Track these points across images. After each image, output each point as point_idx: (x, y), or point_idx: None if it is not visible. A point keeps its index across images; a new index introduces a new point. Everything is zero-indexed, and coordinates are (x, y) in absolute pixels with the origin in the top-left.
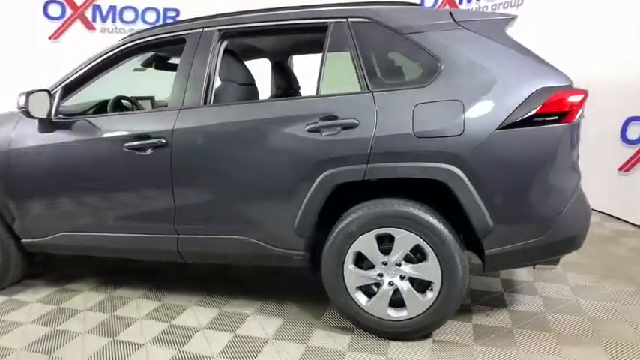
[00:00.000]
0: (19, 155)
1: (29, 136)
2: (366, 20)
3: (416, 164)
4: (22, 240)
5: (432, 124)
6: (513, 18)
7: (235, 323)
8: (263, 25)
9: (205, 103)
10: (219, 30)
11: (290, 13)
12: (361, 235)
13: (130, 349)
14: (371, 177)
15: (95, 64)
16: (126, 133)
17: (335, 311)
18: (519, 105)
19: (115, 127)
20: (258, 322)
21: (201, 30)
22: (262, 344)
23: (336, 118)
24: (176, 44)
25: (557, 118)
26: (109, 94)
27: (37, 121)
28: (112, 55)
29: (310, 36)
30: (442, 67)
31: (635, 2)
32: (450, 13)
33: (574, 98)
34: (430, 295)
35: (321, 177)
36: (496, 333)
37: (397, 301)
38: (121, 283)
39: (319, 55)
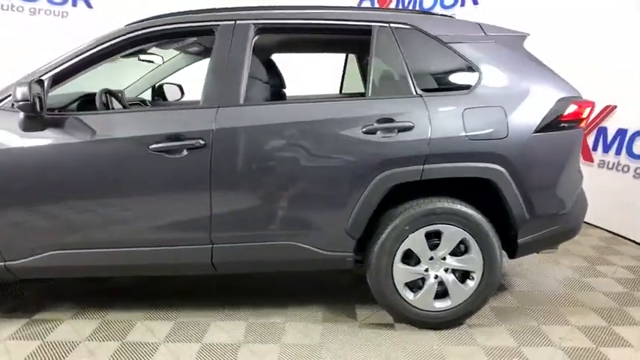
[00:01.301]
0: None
1: (6, 135)
2: (409, 27)
3: (469, 164)
4: None
5: (481, 127)
6: (527, 35)
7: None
8: (303, 23)
9: (245, 101)
10: (254, 24)
11: (332, 13)
12: (412, 233)
13: None
14: (428, 177)
15: (93, 53)
16: (151, 132)
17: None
18: (548, 112)
19: (134, 126)
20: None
21: (233, 22)
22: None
23: (392, 120)
24: (198, 34)
25: (573, 123)
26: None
27: (19, 116)
28: (115, 43)
29: (349, 37)
30: (481, 75)
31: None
32: (480, 25)
33: (586, 107)
34: (471, 284)
35: (378, 178)
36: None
37: (439, 293)
38: (106, 304)
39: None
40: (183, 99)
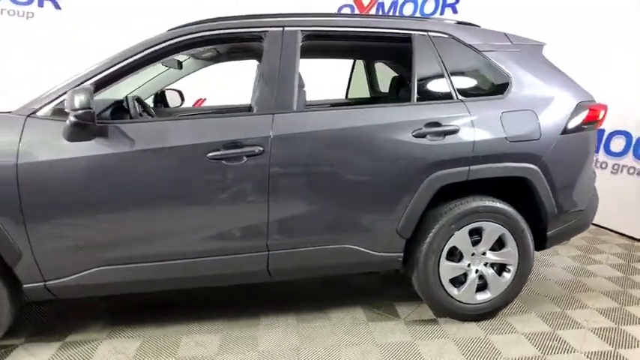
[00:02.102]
0: (36, 171)
1: (51, 146)
2: (445, 35)
3: (509, 164)
4: (28, 285)
5: (518, 130)
6: (544, 44)
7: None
8: (346, 30)
9: (297, 107)
10: (302, 30)
11: (376, 21)
12: (457, 231)
13: None
14: (473, 177)
15: (138, 58)
16: (209, 140)
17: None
18: (571, 115)
19: (190, 133)
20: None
21: (281, 29)
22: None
23: (439, 124)
24: (245, 40)
25: (591, 125)
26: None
27: (62, 125)
28: (160, 48)
29: (388, 44)
30: (512, 81)
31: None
32: (506, 35)
33: (601, 110)
34: (508, 276)
35: (429, 179)
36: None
37: (479, 286)
38: (132, 321)
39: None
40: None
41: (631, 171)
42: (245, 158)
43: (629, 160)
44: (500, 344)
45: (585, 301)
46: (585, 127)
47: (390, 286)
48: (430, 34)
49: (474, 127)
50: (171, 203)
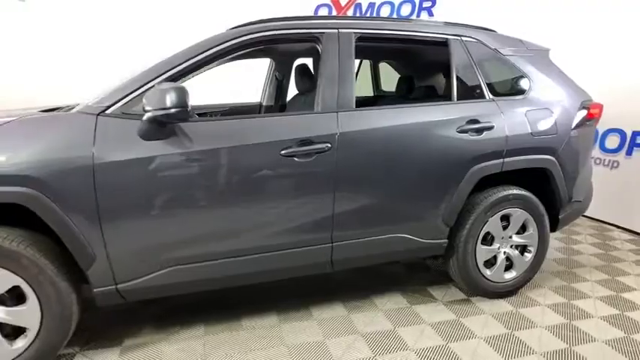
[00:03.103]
0: (112, 171)
1: (125, 145)
2: (475, 40)
3: (534, 157)
4: (98, 289)
5: (540, 126)
6: (550, 49)
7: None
8: (392, 34)
9: (356, 105)
10: (354, 32)
11: (416, 25)
12: (491, 217)
13: None
14: (506, 169)
15: (205, 56)
16: (282, 138)
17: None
18: (577, 112)
19: (265, 132)
20: None
21: (337, 30)
22: None
23: (478, 121)
24: (302, 41)
25: (592, 122)
26: None
27: (142, 124)
28: (226, 47)
29: (424, 47)
30: (531, 82)
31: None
32: (521, 41)
33: (599, 108)
34: (529, 257)
35: (471, 171)
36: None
37: (506, 267)
38: (183, 320)
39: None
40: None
41: (597, 162)
42: (314, 155)
43: (596, 152)
44: (531, 316)
45: (583, 275)
46: (587, 123)
47: (415, 274)
48: (462, 38)
49: (505, 123)
50: (245, 200)
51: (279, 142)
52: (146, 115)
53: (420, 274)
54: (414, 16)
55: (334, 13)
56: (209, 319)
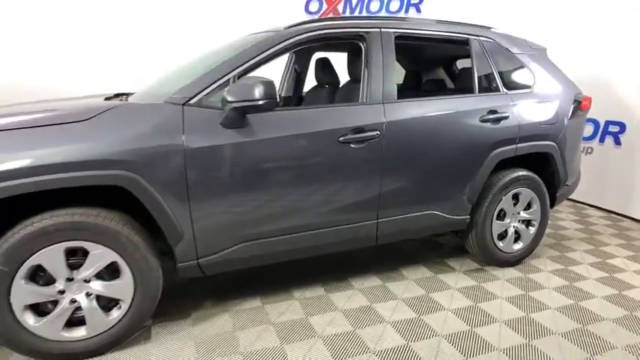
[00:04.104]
0: (200, 156)
1: (209, 132)
2: (490, 40)
3: (540, 142)
4: (182, 264)
5: (544, 116)
6: (546, 48)
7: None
8: (424, 34)
9: (397, 97)
10: (393, 32)
11: (443, 25)
12: (504, 196)
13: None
14: (518, 153)
15: (270, 53)
16: (341, 126)
17: None
18: (573, 104)
19: (325, 120)
20: None
21: (379, 30)
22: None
23: (496, 112)
24: (348, 39)
25: (584, 112)
26: None
27: (225, 113)
28: (286, 44)
29: (449, 46)
30: (535, 78)
31: None
32: (526, 40)
33: (589, 100)
34: (532, 230)
35: (491, 155)
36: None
37: (515, 238)
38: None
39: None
40: None
41: None
42: (366, 142)
43: None
44: (540, 280)
45: (572, 246)
46: (580, 113)
47: (430, 250)
48: (480, 38)
49: (517, 114)
50: (308, 182)
51: (338, 129)
52: (230, 106)
53: (434, 249)
54: (402, 12)
55: (325, 7)
56: (262, 292)
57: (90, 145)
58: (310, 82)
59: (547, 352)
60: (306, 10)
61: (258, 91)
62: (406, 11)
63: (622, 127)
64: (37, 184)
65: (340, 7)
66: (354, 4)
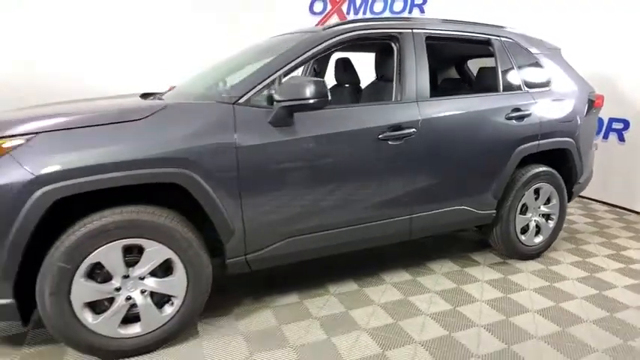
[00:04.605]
0: (251, 153)
1: (259, 130)
2: (511, 41)
3: (559, 139)
4: (231, 260)
5: (562, 113)
6: (560, 48)
7: None
8: (452, 34)
9: (431, 96)
10: (424, 32)
11: (468, 26)
12: (527, 191)
13: None
14: (540, 150)
15: (312, 53)
16: (380, 124)
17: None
18: (588, 102)
19: (365, 118)
20: None
21: (410, 31)
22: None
23: (520, 110)
24: (383, 39)
25: (598, 110)
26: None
27: (268, 111)
28: (326, 45)
29: (473, 46)
30: (552, 77)
31: None
32: (542, 41)
33: (602, 98)
34: (551, 224)
35: (516, 152)
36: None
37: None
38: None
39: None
40: None
41: None
42: (403, 139)
43: None
44: (561, 271)
45: (585, 239)
46: (594, 111)
47: (452, 245)
48: (502, 38)
49: (538, 111)
50: (350, 179)
51: (377, 127)
52: (280, 104)
53: (456, 244)
54: (405, 13)
55: (329, 8)
56: (298, 288)
57: (149, 144)
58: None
59: (582, 338)
60: (310, 10)
61: (309, 90)
62: (410, 12)
63: (626, 124)
64: (101, 181)
65: (344, 8)
66: (357, 4)
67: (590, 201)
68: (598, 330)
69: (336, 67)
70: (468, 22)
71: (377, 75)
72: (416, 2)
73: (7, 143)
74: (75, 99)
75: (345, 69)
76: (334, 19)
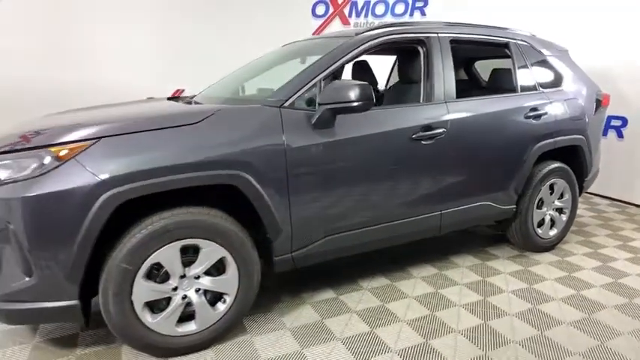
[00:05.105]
0: (298, 154)
1: (304, 132)
2: (526, 43)
3: (572, 137)
4: (278, 257)
5: (574, 112)
6: (568, 50)
7: None
8: (473, 38)
9: (456, 97)
10: (448, 36)
11: (488, 30)
12: (543, 186)
13: None
14: (556, 147)
15: (348, 58)
16: (413, 124)
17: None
18: (596, 101)
19: (399, 119)
20: None
21: (437, 35)
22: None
23: (537, 109)
24: (412, 43)
25: (604, 108)
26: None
27: (309, 114)
28: (361, 49)
29: (489, 48)
30: (563, 77)
31: None
32: (552, 43)
33: (608, 97)
34: (564, 217)
35: (535, 149)
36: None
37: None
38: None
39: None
40: None
41: None
42: (434, 138)
43: None
44: (577, 262)
45: (593, 232)
46: (601, 109)
47: (469, 240)
48: (517, 41)
49: (553, 110)
50: (386, 177)
51: (410, 127)
52: (324, 107)
53: (473, 240)
54: (406, 15)
55: (331, 10)
56: (331, 284)
57: (207, 147)
58: None
59: (607, 323)
60: (313, 13)
61: (354, 93)
62: (411, 14)
63: (624, 121)
64: (165, 183)
65: (346, 11)
66: (359, 7)
67: (591, 195)
68: (620, 315)
69: (354, 69)
70: (486, 26)
71: (401, 77)
72: (417, 5)
73: (69, 149)
74: (104, 104)
75: (364, 71)
76: (336, 22)
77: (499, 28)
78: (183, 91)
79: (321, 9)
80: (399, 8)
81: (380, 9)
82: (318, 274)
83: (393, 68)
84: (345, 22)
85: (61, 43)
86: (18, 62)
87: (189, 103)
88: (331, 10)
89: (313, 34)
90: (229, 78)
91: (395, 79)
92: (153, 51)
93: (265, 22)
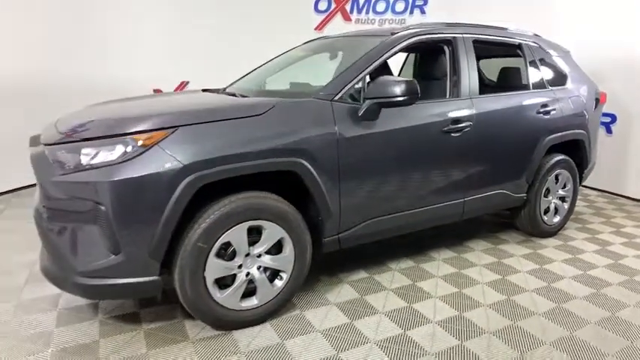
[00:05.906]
0: (348, 144)
1: (352, 123)
2: (536, 45)
3: (576, 131)
4: (327, 238)
5: (577, 108)
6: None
7: None
8: (491, 39)
9: (480, 93)
10: (471, 37)
11: (503, 32)
12: (549, 176)
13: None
14: (564, 140)
15: (387, 55)
16: (443, 118)
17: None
18: (595, 98)
19: (432, 113)
20: None
21: (462, 35)
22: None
23: (547, 105)
24: (441, 43)
25: (602, 105)
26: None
27: (355, 107)
28: (398, 48)
29: (505, 48)
30: (567, 76)
31: None
32: (558, 44)
33: (605, 95)
34: (566, 206)
35: (545, 141)
36: None
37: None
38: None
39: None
40: None
41: None
42: (462, 131)
43: None
44: (579, 246)
45: (587, 219)
46: (599, 106)
47: (478, 227)
48: (529, 42)
49: (560, 107)
50: (420, 166)
51: (442, 121)
52: (373, 101)
53: (483, 226)
54: (407, 13)
55: (333, 6)
56: (363, 266)
57: (272, 136)
58: None
59: (616, 297)
60: (315, 9)
61: (400, 89)
62: (411, 12)
63: (613, 117)
64: (241, 169)
65: (348, 7)
66: (360, 4)
67: (582, 187)
68: (625, 290)
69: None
70: (500, 28)
71: (423, 74)
72: (417, 3)
73: (152, 136)
74: (146, 95)
75: (384, 68)
76: (338, 17)
77: (512, 31)
78: (188, 83)
79: (323, 4)
80: (400, 6)
81: (381, 6)
82: (350, 257)
83: (403, 65)
84: (347, 18)
85: (71, 37)
86: (36, 56)
87: (229, 94)
88: (333, 5)
89: (315, 29)
90: (260, 72)
91: (406, 75)
92: (158, 45)
93: (268, 17)
